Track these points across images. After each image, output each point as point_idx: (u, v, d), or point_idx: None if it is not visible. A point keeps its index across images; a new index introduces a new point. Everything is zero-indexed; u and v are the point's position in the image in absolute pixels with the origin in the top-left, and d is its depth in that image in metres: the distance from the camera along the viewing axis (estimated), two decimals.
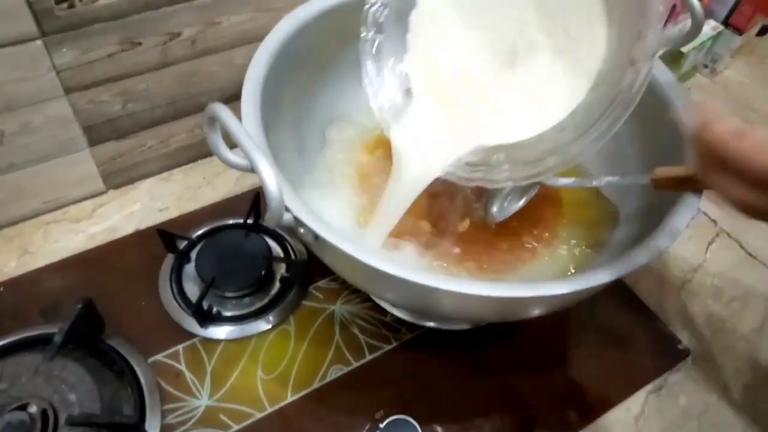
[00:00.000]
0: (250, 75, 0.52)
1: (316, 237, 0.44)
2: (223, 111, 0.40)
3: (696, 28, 0.58)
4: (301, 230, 0.45)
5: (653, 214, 0.50)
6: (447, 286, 0.42)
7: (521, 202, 0.55)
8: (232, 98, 0.70)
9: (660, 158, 0.55)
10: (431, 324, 0.60)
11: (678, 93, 0.56)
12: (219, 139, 0.43)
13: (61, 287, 0.60)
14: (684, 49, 0.85)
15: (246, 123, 0.48)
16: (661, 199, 0.50)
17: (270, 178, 0.38)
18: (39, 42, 0.53)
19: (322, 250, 0.48)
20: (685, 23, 0.86)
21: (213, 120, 0.42)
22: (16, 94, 0.56)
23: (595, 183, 0.54)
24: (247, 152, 0.39)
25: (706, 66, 0.93)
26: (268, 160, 0.39)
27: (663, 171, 0.49)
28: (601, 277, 0.44)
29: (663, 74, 0.57)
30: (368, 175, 0.60)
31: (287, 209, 0.43)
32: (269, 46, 0.54)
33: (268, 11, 0.64)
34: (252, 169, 0.40)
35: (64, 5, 0.53)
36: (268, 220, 0.40)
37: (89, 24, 0.55)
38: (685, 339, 0.62)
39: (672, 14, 0.81)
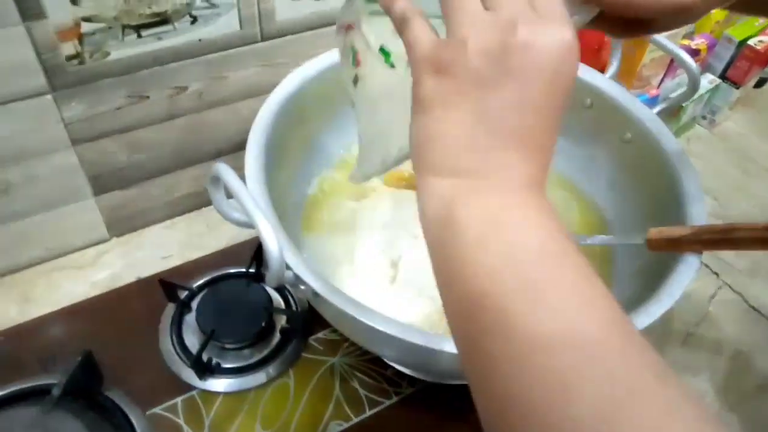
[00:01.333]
0: (254, 131, 0.53)
1: (316, 294, 0.44)
2: (226, 172, 0.41)
3: (693, 86, 0.59)
4: (302, 287, 0.45)
5: (652, 273, 0.50)
6: (446, 347, 0.42)
7: None
8: (237, 147, 0.71)
9: (660, 217, 0.55)
10: (434, 379, 0.59)
11: (679, 154, 0.57)
12: (222, 197, 0.44)
13: (61, 337, 0.60)
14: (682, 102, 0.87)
15: (249, 179, 0.49)
16: (659, 258, 0.50)
17: (271, 240, 0.38)
18: (49, 96, 0.55)
19: (322, 306, 0.48)
20: (683, 77, 0.88)
21: (216, 179, 0.43)
22: (24, 146, 0.57)
23: (589, 242, 0.54)
24: (249, 214, 0.39)
25: (705, 117, 0.94)
26: (269, 221, 0.39)
27: (657, 231, 0.49)
28: None
29: (664, 135, 0.58)
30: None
31: (288, 267, 0.43)
32: (272, 104, 0.56)
33: (273, 66, 0.65)
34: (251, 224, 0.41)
35: (75, 61, 0.54)
36: (270, 281, 0.41)
37: (98, 79, 0.56)
38: None
39: (668, 70, 0.83)
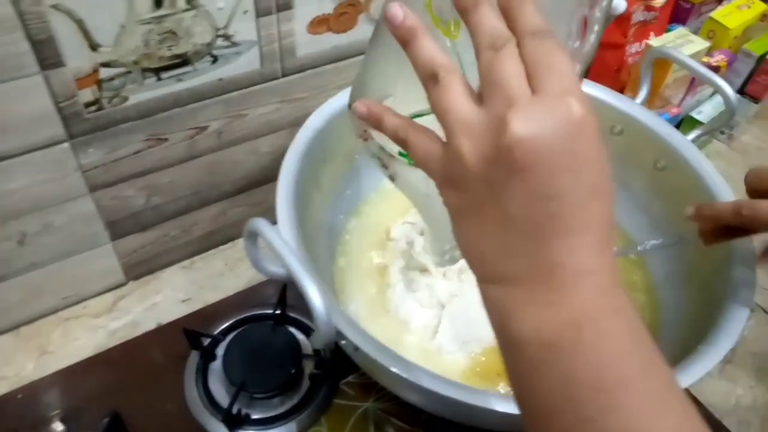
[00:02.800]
0: (281, 180, 0.51)
1: (357, 348, 0.42)
2: (266, 228, 0.39)
3: (729, 112, 0.58)
4: (343, 342, 0.43)
5: (700, 319, 0.48)
6: (495, 405, 0.40)
7: None
8: (256, 184, 0.69)
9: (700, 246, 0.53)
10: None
11: (718, 182, 0.56)
12: (259, 253, 0.42)
13: (82, 391, 0.57)
14: (700, 117, 0.86)
15: (284, 232, 0.47)
16: (707, 307, 0.48)
17: (319, 303, 0.36)
18: (66, 144, 0.53)
19: (362, 359, 0.46)
20: (702, 94, 0.87)
21: (253, 235, 0.41)
22: (40, 196, 0.54)
23: (639, 248, 0.53)
24: (295, 276, 0.37)
25: (723, 132, 0.93)
26: (315, 283, 0.37)
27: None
28: None
29: (701, 163, 0.57)
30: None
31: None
32: (298, 147, 0.54)
33: (292, 101, 0.63)
34: (291, 279, 0.39)
35: (93, 108, 0.52)
36: (316, 342, 0.39)
37: (117, 124, 0.54)
38: (732, 428, 0.60)
39: (689, 88, 0.82)
